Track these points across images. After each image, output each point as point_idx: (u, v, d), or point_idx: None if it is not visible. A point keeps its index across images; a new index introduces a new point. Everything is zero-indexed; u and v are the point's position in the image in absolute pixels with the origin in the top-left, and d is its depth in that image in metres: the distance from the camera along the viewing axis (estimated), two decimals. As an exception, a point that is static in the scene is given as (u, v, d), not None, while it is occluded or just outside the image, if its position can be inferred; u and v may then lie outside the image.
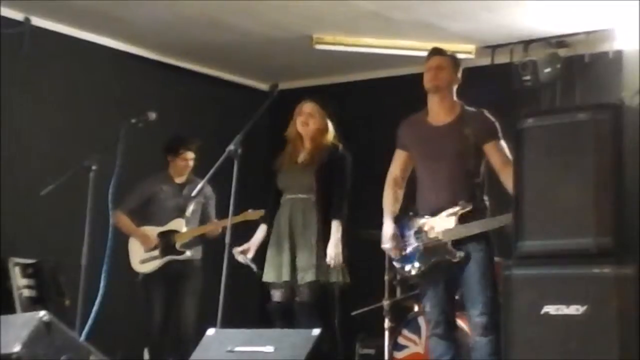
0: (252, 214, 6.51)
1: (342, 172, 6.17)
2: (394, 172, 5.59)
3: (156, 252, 7.05)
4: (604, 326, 4.81)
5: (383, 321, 6.75)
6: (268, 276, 6.12)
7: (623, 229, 4.93)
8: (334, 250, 6.01)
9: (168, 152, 7.26)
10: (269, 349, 4.06)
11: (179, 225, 7.07)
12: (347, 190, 6.18)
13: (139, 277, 7.06)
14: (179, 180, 7.25)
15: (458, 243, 5.23)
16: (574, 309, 4.90)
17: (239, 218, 6.28)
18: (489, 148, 5.30)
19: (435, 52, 5.50)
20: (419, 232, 5.35)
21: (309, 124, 6.20)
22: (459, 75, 5.47)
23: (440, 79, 5.38)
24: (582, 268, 4.97)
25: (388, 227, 5.47)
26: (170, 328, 7.06)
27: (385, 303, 6.79)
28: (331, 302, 6.13)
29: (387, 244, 5.46)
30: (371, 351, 7.35)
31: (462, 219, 5.23)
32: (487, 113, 5.39)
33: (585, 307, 4.86)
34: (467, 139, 5.27)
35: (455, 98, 5.46)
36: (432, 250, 5.27)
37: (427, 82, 5.40)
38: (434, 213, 5.31)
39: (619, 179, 4.96)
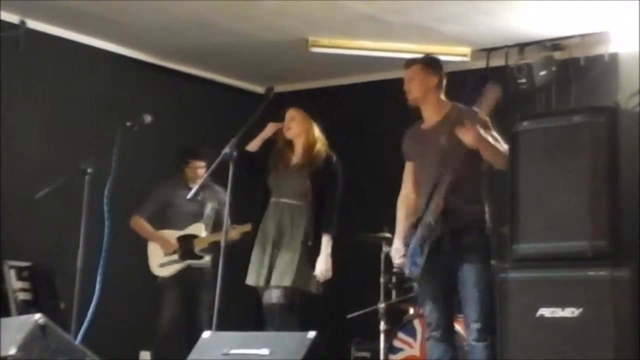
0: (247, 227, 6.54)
1: (335, 183, 6.16)
2: (404, 188, 5.63)
3: (175, 257, 7.06)
4: (599, 329, 4.82)
5: (378, 324, 6.75)
6: (249, 279, 6.13)
7: (618, 232, 4.93)
8: (324, 265, 6.01)
9: (180, 159, 7.26)
10: (264, 351, 4.05)
11: (199, 229, 7.09)
12: (339, 202, 6.18)
13: (157, 280, 7.06)
14: (193, 185, 7.23)
15: (456, 250, 5.21)
16: (569, 312, 4.91)
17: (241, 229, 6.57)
18: (459, 130, 5.20)
19: (405, 64, 5.58)
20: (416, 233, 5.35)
21: (292, 127, 6.21)
22: (438, 75, 5.46)
23: (412, 91, 5.46)
24: (577, 271, 4.98)
25: (394, 244, 5.52)
26: (177, 333, 7.02)
27: (381, 306, 6.79)
28: (298, 309, 6.11)
29: (395, 261, 5.51)
30: (366, 354, 7.35)
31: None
32: (476, 108, 5.33)
33: (580, 310, 4.87)
34: (454, 134, 5.26)
35: (442, 98, 5.48)
36: (423, 238, 5.27)
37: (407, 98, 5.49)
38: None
39: (615, 182, 4.97)
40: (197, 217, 7.14)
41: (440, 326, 5.34)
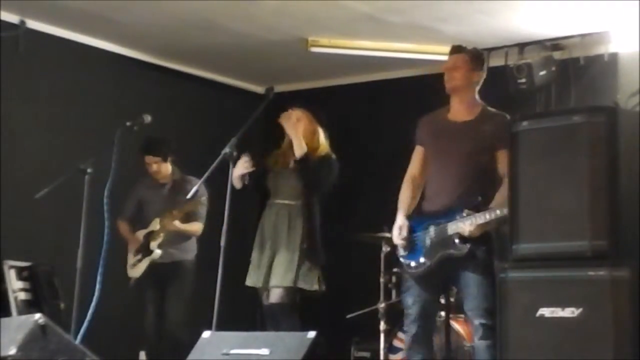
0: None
1: (327, 172, 6.15)
2: (412, 169, 5.53)
3: (140, 256, 7.04)
4: (599, 329, 4.82)
5: (378, 324, 6.75)
6: (249, 280, 6.13)
7: (618, 231, 4.93)
8: None
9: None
10: (265, 351, 4.05)
11: (155, 225, 7.06)
12: (330, 183, 6.16)
13: (131, 282, 7.06)
14: (161, 180, 7.22)
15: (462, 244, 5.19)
16: (569, 312, 4.91)
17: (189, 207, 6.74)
18: (500, 155, 5.24)
19: (452, 50, 5.45)
20: (428, 228, 5.30)
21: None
22: (482, 72, 5.42)
23: (455, 79, 5.35)
24: (577, 271, 4.98)
25: (398, 219, 5.40)
26: (163, 331, 7.05)
27: (381, 306, 6.79)
28: (299, 308, 6.10)
29: (395, 233, 5.39)
30: (366, 354, 7.36)
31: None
32: (508, 116, 5.34)
33: (580, 310, 4.87)
34: (484, 140, 5.24)
35: (476, 96, 5.42)
36: (438, 245, 5.22)
37: (445, 84, 5.37)
38: (445, 209, 5.27)
39: (614, 182, 4.97)
40: (162, 212, 7.06)
41: (419, 319, 5.27)
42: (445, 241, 5.19)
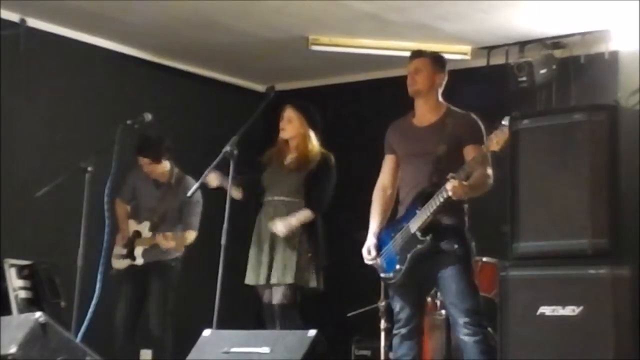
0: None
1: (326, 173, 6.14)
2: (382, 179, 5.54)
3: (125, 252, 6.92)
4: (600, 327, 4.83)
5: (379, 322, 6.75)
6: (248, 278, 6.11)
7: (618, 230, 4.95)
8: (282, 226, 5.94)
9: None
10: (265, 350, 4.06)
11: (144, 228, 6.92)
12: (327, 187, 6.15)
13: (112, 271, 6.79)
14: (155, 177, 7.04)
15: (435, 253, 5.15)
16: (570, 310, 4.92)
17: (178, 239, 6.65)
18: (467, 150, 5.19)
19: (413, 55, 5.46)
20: (394, 236, 5.29)
21: (286, 129, 6.19)
22: (444, 74, 5.39)
23: (418, 82, 5.34)
24: (577, 269, 4.99)
25: (368, 238, 5.43)
26: (134, 326, 6.91)
27: (381, 304, 6.79)
28: (300, 306, 6.09)
29: (364, 255, 5.41)
30: (367, 352, 7.36)
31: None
32: (473, 115, 5.32)
33: (580, 308, 4.88)
34: (449, 140, 5.20)
35: (440, 98, 5.40)
36: (405, 246, 5.20)
37: (408, 87, 5.38)
38: (406, 211, 5.25)
39: (615, 180, 4.98)
40: (151, 212, 6.96)
41: (409, 322, 5.28)
42: (411, 240, 5.18)
